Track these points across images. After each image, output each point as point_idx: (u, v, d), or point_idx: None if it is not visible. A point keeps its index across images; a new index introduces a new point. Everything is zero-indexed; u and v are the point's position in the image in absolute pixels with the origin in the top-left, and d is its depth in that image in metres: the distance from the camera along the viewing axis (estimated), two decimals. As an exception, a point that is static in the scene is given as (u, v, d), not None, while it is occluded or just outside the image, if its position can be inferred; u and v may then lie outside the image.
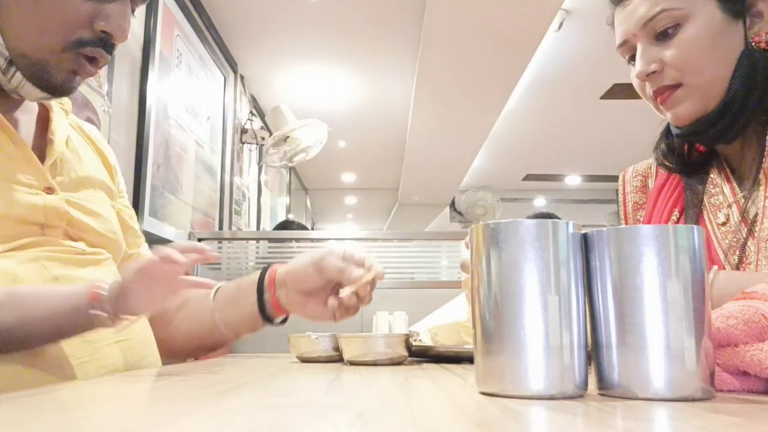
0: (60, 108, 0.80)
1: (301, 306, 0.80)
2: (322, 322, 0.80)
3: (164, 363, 0.81)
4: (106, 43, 0.69)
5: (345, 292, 0.75)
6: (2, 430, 0.31)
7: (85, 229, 0.75)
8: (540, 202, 7.38)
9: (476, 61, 3.33)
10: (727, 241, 0.74)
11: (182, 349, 0.90)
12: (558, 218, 0.63)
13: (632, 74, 0.79)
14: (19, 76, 0.67)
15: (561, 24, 3.12)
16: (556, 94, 4.11)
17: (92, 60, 0.69)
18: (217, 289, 0.85)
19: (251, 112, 3.62)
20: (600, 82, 3.85)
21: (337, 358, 0.79)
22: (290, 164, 3.38)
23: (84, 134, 0.86)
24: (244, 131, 3.51)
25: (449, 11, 2.80)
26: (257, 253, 2.67)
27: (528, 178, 6.72)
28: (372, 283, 0.77)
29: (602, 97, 4.04)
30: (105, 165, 0.87)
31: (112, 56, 0.71)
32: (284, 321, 0.85)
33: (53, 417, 0.35)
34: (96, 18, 0.67)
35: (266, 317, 0.82)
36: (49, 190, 0.70)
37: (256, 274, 0.83)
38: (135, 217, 0.93)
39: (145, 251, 0.93)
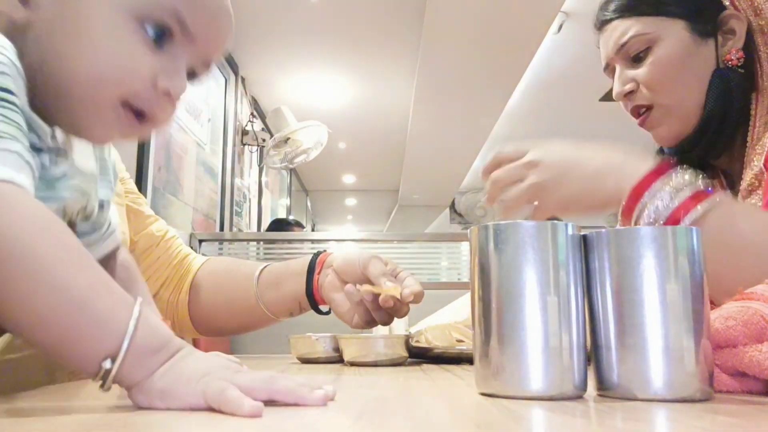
0: None
1: (334, 290, 0.80)
2: (342, 322, 0.79)
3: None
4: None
5: (365, 288, 0.74)
6: (1, 430, 0.31)
7: None
8: (540, 204, 7.37)
9: (476, 63, 3.33)
10: None
11: (225, 327, 0.89)
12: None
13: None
14: None
15: (561, 26, 3.12)
16: (555, 96, 4.11)
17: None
18: (262, 271, 0.84)
19: (252, 113, 3.63)
20: (599, 84, 3.85)
21: (337, 359, 0.79)
22: (291, 166, 3.39)
23: None
24: (244, 133, 3.51)
25: (449, 13, 2.80)
26: (257, 254, 2.67)
27: (528, 179, 6.71)
28: (395, 301, 0.76)
29: (601, 99, 4.05)
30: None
31: None
32: (328, 312, 0.84)
33: (51, 418, 0.35)
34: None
35: (308, 299, 0.82)
36: None
37: (308, 257, 0.84)
38: (139, 201, 0.87)
39: (158, 227, 0.88)
